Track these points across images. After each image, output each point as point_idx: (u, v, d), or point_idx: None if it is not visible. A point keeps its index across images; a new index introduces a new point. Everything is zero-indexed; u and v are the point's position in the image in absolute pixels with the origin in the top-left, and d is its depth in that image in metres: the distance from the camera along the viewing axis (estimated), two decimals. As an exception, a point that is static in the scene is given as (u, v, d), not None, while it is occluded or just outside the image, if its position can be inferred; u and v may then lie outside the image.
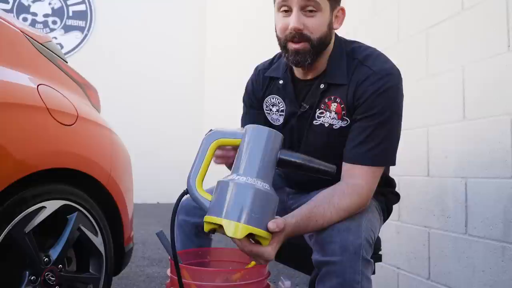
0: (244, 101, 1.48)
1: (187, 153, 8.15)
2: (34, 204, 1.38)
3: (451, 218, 1.74)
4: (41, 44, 1.70)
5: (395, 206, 1.54)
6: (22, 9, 7.41)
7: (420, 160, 1.92)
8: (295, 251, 1.35)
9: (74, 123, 1.58)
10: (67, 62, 1.88)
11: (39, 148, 1.41)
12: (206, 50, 8.04)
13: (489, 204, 1.56)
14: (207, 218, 0.93)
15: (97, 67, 7.44)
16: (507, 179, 1.48)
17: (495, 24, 1.55)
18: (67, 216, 1.51)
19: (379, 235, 1.36)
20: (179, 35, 8.04)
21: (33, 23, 7.44)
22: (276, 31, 1.22)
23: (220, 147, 1.07)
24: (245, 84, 1.46)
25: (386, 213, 1.41)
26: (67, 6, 7.60)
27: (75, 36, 7.58)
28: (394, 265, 2.09)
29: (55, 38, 7.51)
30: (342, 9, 1.21)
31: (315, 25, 1.14)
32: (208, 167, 1.02)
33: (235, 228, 0.87)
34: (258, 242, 0.94)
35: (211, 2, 7.84)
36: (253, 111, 1.44)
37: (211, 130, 1.06)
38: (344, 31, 2.57)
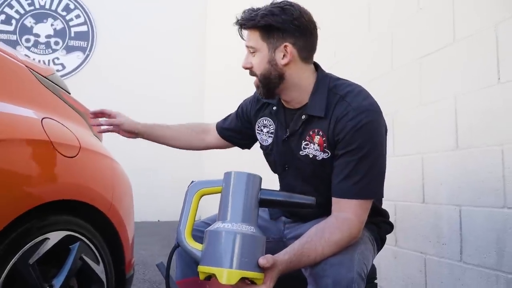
0: (240, 104, 1.63)
1: (187, 171, 8.23)
2: (38, 236, 1.42)
3: (446, 245, 1.77)
4: (44, 77, 1.76)
5: (392, 232, 1.58)
6: (25, 31, 7.52)
7: (415, 186, 1.96)
8: (292, 280, 1.39)
9: (77, 154, 1.62)
10: (69, 93, 1.93)
11: (43, 181, 1.45)
12: (206, 71, 8.15)
13: (482, 233, 1.59)
14: (200, 268, 0.97)
15: (98, 86, 7.53)
16: (499, 208, 1.52)
17: (485, 57, 1.61)
18: (69, 246, 1.55)
19: (374, 262, 1.39)
20: (179, 55, 8.14)
21: (36, 44, 7.55)
22: None
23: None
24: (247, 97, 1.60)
25: (380, 242, 1.44)
26: (69, 27, 7.71)
27: (77, 56, 7.68)
28: (392, 290, 2.11)
29: (57, 58, 7.61)
30: (287, 46, 1.24)
31: (255, 63, 1.28)
32: (194, 217, 1.07)
33: (228, 275, 0.91)
34: (253, 282, 0.98)
35: (211, 24, 7.97)
36: (235, 117, 1.62)
37: (192, 181, 1.11)
38: (339, 57, 2.64)
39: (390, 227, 1.48)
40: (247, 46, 1.29)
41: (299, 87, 1.29)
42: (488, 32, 1.59)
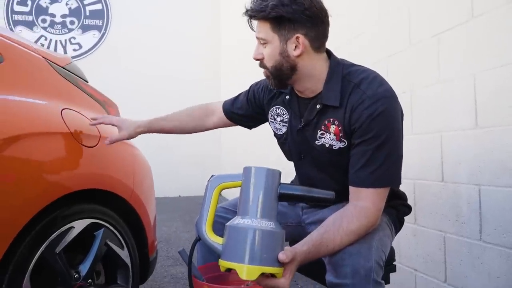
0: (251, 88, 1.61)
1: (207, 148, 8.30)
2: (64, 225, 1.47)
3: (465, 224, 1.77)
4: (62, 67, 1.78)
5: (411, 210, 1.57)
6: (41, 11, 7.57)
7: (434, 165, 1.94)
8: (310, 265, 1.41)
9: (97, 144, 1.66)
10: (87, 82, 1.95)
11: (65, 173, 1.48)
12: (221, 46, 8.09)
13: (502, 212, 1.58)
14: (221, 262, 0.99)
15: (115, 65, 7.60)
16: (520, 188, 1.51)
17: (504, 34, 1.56)
18: (94, 233, 1.61)
19: (393, 244, 1.41)
20: (194, 32, 8.11)
21: (52, 24, 7.60)
22: None
23: None
24: (260, 80, 1.58)
25: (398, 225, 1.45)
26: (84, 6, 7.72)
27: (93, 35, 7.71)
28: (412, 267, 2.13)
29: (74, 38, 7.65)
30: (299, 37, 1.22)
31: (266, 55, 1.26)
32: (214, 211, 1.10)
33: (248, 271, 0.94)
34: (272, 275, 1.00)
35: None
36: (246, 102, 1.60)
37: (212, 175, 1.13)
38: (357, 32, 2.59)
39: (408, 210, 1.49)
40: (257, 37, 1.27)
41: (313, 77, 1.27)
42: (507, 8, 1.54)
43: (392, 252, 1.45)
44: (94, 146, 1.64)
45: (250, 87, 1.62)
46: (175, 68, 7.90)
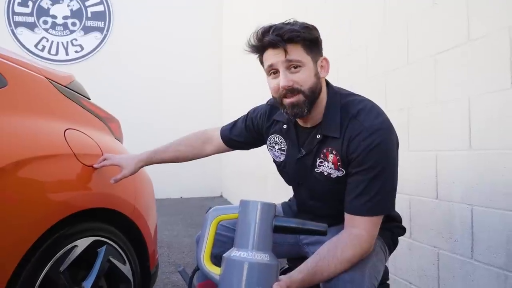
0: (249, 115, 1.64)
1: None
2: (68, 244, 1.52)
3: (458, 242, 1.81)
4: (64, 86, 1.82)
5: (406, 224, 1.62)
6: (42, 12, 7.60)
7: (429, 183, 1.98)
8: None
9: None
10: (89, 99, 1.99)
11: (68, 194, 1.53)
12: (223, 49, 8.12)
13: (493, 233, 1.63)
14: None
15: (117, 67, 7.64)
16: (510, 211, 1.55)
17: (499, 59, 1.60)
18: (97, 250, 1.66)
19: (386, 264, 1.45)
20: (196, 35, 8.14)
21: (53, 25, 7.63)
22: (271, 93, 1.34)
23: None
24: (257, 106, 1.63)
25: (392, 246, 1.50)
26: (86, 7, 7.75)
27: (95, 36, 7.74)
28: (407, 280, 2.18)
29: (76, 39, 7.69)
30: (325, 59, 1.31)
31: (302, 79, 1.25)
32: (212, 242, 1.15)
33: None
34: None
35: (228, 2, 7.88)
36: (245, 129, 1.63)
37: (210, 207, 1.18)
38: (355, 47, 2.62)
39: (402, 231, 1.53)
40: (289, 60, 1.23)
41: (320, 103, 1.31)
42: (502, 34, 1.57)
43: (386, 271, 1.49)
44: (97, 165, 1.69)
45: (248, 114, 1.65)
46: (177, 70, 7.94)
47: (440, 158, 1.92)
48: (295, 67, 1.24)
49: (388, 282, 1.55)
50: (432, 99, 1.97)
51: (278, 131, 1.48)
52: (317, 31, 1.28)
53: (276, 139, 1.49)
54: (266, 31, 1.23)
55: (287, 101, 1.27)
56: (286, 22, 1.26)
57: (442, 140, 1.91)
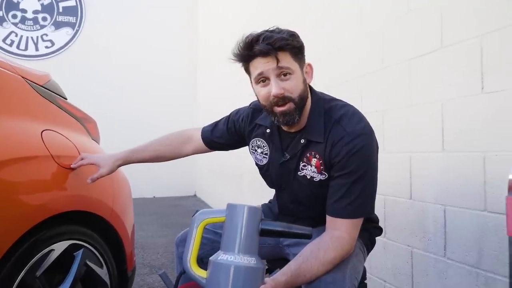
0: (231, 117, 1.64)
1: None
2: (44, 248, 1.49)
3: (431, 241, 1.87)
4: (41, 86, 1.78)
5: (381, 223, 1.66)
6: (11, 6, 7.38)
7: (404, 183, 2.04)
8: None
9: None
10: (66, 99, 1.95)
11: (45, 196, 1.49)
12: (199, 44, 8.09)
13: (465, 232, 1.69)
14: None
15: (89, 63, 7.50)
16: (480, 211, 1.61)
17: (471, 65, 1.66)
18: (74, 253, 1.63)
19: (364, 264, 1.49)
20: (171, 28, 8.08)
21: (23, 20, 7.42)
22: (259, 100, 1.35)
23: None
24: (239, 108, 1.63)
25: (370, 246, 1.54)
26: (57, 2, 7.57)
27: (66, 32, 7.58)
28: (381, 278, 2.23)
29: (46, 35, 7.50)
30: (309, 65, 1.34)
31: (292, 86, 1.26)
32: (199, 245, 1.15)
33: None
34: None
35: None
36: (227, 131, 1.64)
37: (197, 211, 1.18)
38: (331, 49, 2.66)
39: (379, 231, 1.57)
40: (279, 69, 1.24)
41: (305, 109, 1.33)
42: (474, 42, 1.63)
43: (364, 271, 1.53)
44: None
45: (230, 116, 1.66)
46: (151, 65, 7.86)
47: (414, 160, 1.98)
48: (285, 74, 1.25)
49: (365, 281, 1.59)
50: (406, 102, 2.02)
51: (261, 135, 1.49)
52: (299, 38, 1.29)
53: (259, 143, 1.50)
54: (255, 40, 1.24)
55: (278, 109, 1.28)
56: (271, 29, 1.27)
57: (416, 142, 1.97)
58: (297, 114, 1.29)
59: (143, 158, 1.75)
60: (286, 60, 1.24)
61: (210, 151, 1.75)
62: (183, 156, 1.78)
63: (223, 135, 1.66)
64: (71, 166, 1.62)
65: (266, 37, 1.22)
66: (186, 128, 1.83)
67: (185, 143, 1.75)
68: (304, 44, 1.31)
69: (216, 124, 1.71)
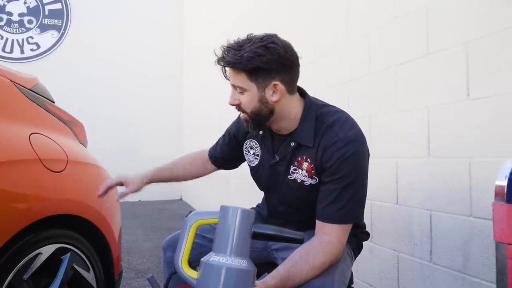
0: (226, 131, 1.68)
1: (168, 151, 8.24)
2: (31, 252, 1.48)
3: (417, 246, 1.90)
4: (29, 89, 1.77)
5: (368, 228, 1.69)
6: (-4, 8, 7.30)
7: (390, 189, 2.07)
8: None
9: (65, 168, 1.67)
10: (54, 102, 1.94)
11: (33, 200, 1.49)
12: (184, 44, 8.13)
13: (450, 237, 1.72)
14: None
15: (75, 66, 7.45)
16: (466, 216, 1.64)
17: (456, 72, 1.69)
18: (61, 257, 1.62)
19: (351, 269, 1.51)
20: (156, 30, 8.13)
21: (9, 22, 7.34)
22: None
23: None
24: (235, 119, 1.65)
25: (357, 250, 1.56)
26: (43, 4, 7.51)
27: (52, 35, 7.51)
28: (368, 282, 2.25)
29: (31, 37, 7.43)
30: (277, 85, 1.27)
31: (245, 103, 1.31)
32: (191, 246, 1.15)
33: None
34: None
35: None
36: (227, 147, 1.67)
37: (190, 211, 1.19)
38: (319, 54, 2.68)
39: (366, 236, 1.59)
40: (233, 85, 1.30)
41: (288, 117, 1.35)
42: (459, 49, 1.67)
43: (351, 276, 1.55)
44: (62, 171, 1.65)
45: (226, 130, 1.69)
46: (137, 66, 7.86)
47: (400, 165, 2.01)
48: (240, 90, 1.30)
49: (352, 286, 1.61)
50: (392, 108, 2.05)
51: (254, 136, 1.52)
52: (270, 55, 1.22)
53: (252, 144, 1.53)
54: (224, 51, 1.27)
55: (241, 115, 1.38)
56: (242, 41, 1.26)
57: (402, 148, 2.00)
58: (254, 124, 1.35)
59: (172, 177, 1.77)
60: (240, 79, 1.27)
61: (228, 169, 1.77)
62: (205, 175, 1.82)
63: (224, 151, 1.70)
64: (97, 195, 1.62)
65: (224, 53, 1.26)
66: (172, 127, 1.85)
67: (205, 163, 1.79)
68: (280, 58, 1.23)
69: (216, 144, 1.75)
